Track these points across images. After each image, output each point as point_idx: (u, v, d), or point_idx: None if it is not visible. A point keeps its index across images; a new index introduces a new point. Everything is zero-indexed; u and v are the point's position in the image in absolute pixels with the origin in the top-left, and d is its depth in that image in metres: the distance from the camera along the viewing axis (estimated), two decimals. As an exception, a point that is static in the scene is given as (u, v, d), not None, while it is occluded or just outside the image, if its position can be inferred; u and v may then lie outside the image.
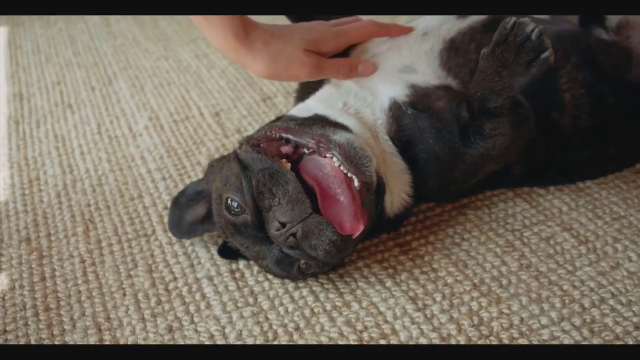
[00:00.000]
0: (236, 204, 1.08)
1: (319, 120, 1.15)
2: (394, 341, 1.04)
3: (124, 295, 1.18)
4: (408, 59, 1.25)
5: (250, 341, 1.06)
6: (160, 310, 1.14)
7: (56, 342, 1.09)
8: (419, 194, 1.23)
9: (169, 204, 1.34)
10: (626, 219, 1.24)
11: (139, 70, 2.10)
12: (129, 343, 1.08)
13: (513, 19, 1.03)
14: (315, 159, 1.06)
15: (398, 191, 1.19)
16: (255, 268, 1.20)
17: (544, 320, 1.04)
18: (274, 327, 1.08)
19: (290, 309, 1.11)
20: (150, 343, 1.08)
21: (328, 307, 1.11)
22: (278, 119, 1.28)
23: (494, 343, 1.01)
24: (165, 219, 1.34)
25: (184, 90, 1.93)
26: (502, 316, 1.06)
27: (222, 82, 1.95)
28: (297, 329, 1.08)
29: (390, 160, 1.18)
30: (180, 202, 1.26)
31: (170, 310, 1.14)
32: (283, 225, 1.02)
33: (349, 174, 1.04)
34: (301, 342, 1.05)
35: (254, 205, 1.04)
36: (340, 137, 1.07)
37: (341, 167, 1.04)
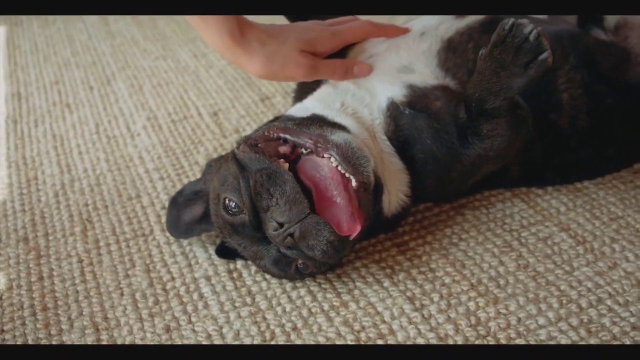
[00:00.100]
0: (234, 204, 1.08)
1: (317, 120, 1.15)
2: (391, 341, 1.04)
3: (122, 295, 1.18)
4: (406, 59, 1.25)
5: (247, 341, 1.06)
6: (157, 310, 1.14)
7: (53, 342, 1.09)
8: (417, 194, 1.23)
9: (166, 204, 1.33)
10: (624, 220, 1.24)
11: (137, 70, 2.09)
12: (126, 343, 1.08)
13: (511, 20, 1.03)
14: (313, 160, 1.06)
15: (396, 191, 1.19)
16: (253, 268, 1.20)
17: (541, 321, 1.04)
18: (272, 327, 1.08)
19: (287, 309, 1.11)
20: (148, 343, 1.08)
21: (326, 307, 1.11)
22: (276, 118, 1.28)
23: (491, 343, 1.02)
24: (163, 219, 1.34)
25: (182, 90, 1.93)
26: (500, 316, 1.06)
27: (220, 82, 1.95)
28: (294, 329, 1.08)
29: (388, 160, 1.18)
30: (178, 202, 1.26)
31: (168, 310, 1.14)
32: (281, 225, 1.02)
33: (347, 174, 1.04)
34: (299, 342, 1.05)
35: (252, 206, 1.04)
36: (337, 137, 1.07)
37: (339, 167, 1.04)
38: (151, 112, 1.81)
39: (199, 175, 1.37)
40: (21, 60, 2.24)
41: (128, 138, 1.69)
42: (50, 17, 2.61)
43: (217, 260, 1.23)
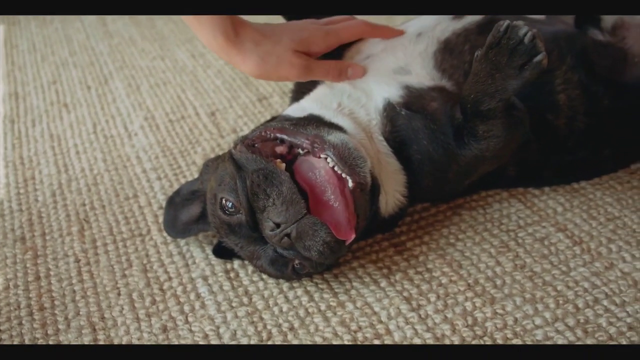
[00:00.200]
0: (230, 204, 1.08)
1: (314, 121, 1.15)
2: (388, 341, 1.04)
3: (119, 294, 1.18)
4: (402, 60, 1.25)
5: (244, 341, 1.06)
6: (154, 310, 1.14)
7: (50, 342, 1.09)
8: (414, 194, 1.23)
9: (164, 204, 1.33)
10: (620, 220, 1.24)
11: (135, 69, 2.09)
12: (123, 343, 1.08)
13: (506, 22, 1.03)
14: (310, 161, 1.06)
15: (393, 192, 1.19)
16: (250, 268, 1.20)
17: (538, 321, 1.05)
18: (268, 327, 1.08)
19: (284, 309, 1.11)
20: (145, 343, 1.08)
21: (322, 307, 1.11)
22: (273, 119, 1.28)
23: (488, 343, 1.02)
24: (160, 219, 1.34)
25: (180, 90, 1.93)
26: (496, 316, 1.06)
27: (218, 81, 1.95)
28: (291, 329, 1.08)
29: (384, 160, 1.18)
30: (175, 202, 1.26)
31: (165, 310, 1.14)
32: (277, 225, 1.02)
33: (343, 175, 1.04)
34: (295, 342, 1.05)
35: (249, 206, 1.04)
36: (334, 137, 1.07)
37: (335, 168, 1.04)
38: (149, 112, 1.81)
39: (196, 175, 1.37)
40: (19, 60, 2.24)
41: (125, 138, 1.69)
42: (48, 17, 2.61)
43: (214, 260, 1.23)
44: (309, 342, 1.05)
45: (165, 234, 1.29)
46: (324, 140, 1.06)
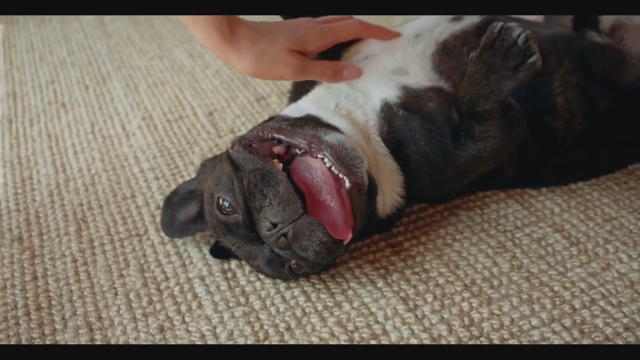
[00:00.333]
0: (227, 203, 1.08)
1: (311, 121, 1.15)
2: (384, 341, 1.04)
3: (116, 294, 1.18)
4: (401, 61, 1.25)
5: (241, 341, 1.06)
6: (151, 309, 1.14)
7: (47, 342, 1.09)
8: (411, 195, 1.23)
9: (161, 204, 1.34)
10: (617, 221, 1.24)
11: (133, 69, 2.09)
12: (120, 343, 1.08)
13: (500, 23, 1.04)
14: (307, 162, 1.06)
15: (390, 192, 1.20)
16: (247, 268, 1.20)
17: (534, 321, 1.05)
18: (265, 327, 1.08)
19: (281, 309, 1.11)
20: (142, 343, 1.07)
21: (319, 307, 1.11)
22: (271, 119, 1.28)
23: (484, 344, 1.02)
24: (158, 219, 1.34)
25: (178, 90, 1.93)
26: (493, 317, 1.06)
27: (216, 82, 1.95)
28: (288, 329, 1.08)
29: (382, 161, 1.18)
30: (173, 202, 1.26)
31: (162, 310, 1.14)
32: (274, 225, 1.02)
33: (340, 175, 1.04)
34: (292, 342, 1.05)
35: (245, 206, 1.04)
36: (331, 137, 1.07)
37: (332, 168, 1.04)
38: (146, 112, 1.81)
39: (194, 175, 1.37)
40: (17, 60, 2.24)
41: (123, 138, 1.69)
42: (47, 17, 2.61)
43: (211, 260, 1.23)
44: (305, 342, 1.05)
45: (162, 233, 1.29)
46: (321, 140, 1.06)
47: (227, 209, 1.09)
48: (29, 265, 1.26)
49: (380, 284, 1.15)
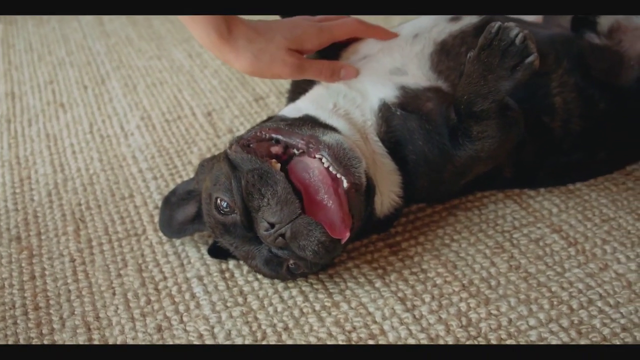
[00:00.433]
0: (225, 203, 1.08)
1: (309, 121, 1.15)
2: (382, 342, 1.04)
3: (114, 294, 1.18)
4: (399, 61, 1.25)
5: (239, 341, 1.06)
6: (149, 309, 1.14)
7: (45, 342, 1.09)
8: (409, 194, 1.23)
9: (159, 204, 1.34)
10: (615, 221, 1.24)
11: (131, 69, 2.09)
12: (117, 342, 1.08)
13: (498, 23, 1.04)
14: (304, 162, 1.06)
15: (388, 192, 1.20)
16: (245, 268, 1.20)
17: (532, 322, 1.05)
18: (263, 327, 1.08)
19: (279, 309, 1.11)
20: (139, 342, 1.07)
21: (317, 307, 1.11)
22: (269, 119, 1.28)
23: (482, 344, 1.02)
24: (156, 219, 1.34)
25: (177, 90, 1.93)
26: (491, 317, 1.06)
27: (214, 81, 1.95)
28: (286, 329, 1.08)
29: (380, 161, 1.18)
30: (171, 202, 1.26)
31: (160, 309, 1.14)
32: (272, 225, 1.02)
33: (338, 175, 1.04)
34: (290, 342, 1.05)
35: (243, 206, 1.04)
36: (329, 138, 1.07)
37: (330, 168, 1.04)
38: (145, 112, 1.81)
39: (192, 175, 1.37)
40: (15, 59, 2.24)
41: (122, 137, 1.69)
42: (45, 16, 2.60)
43: (209, 260, 1.23)
44: (303, 342, 1.05)
45: (160, 233, 1.29)
46: (319, 140, 1.06)
47: (225, 209, 1.09)
48: (27, 265, 1.26)
49: (378, 284, 1.15)
